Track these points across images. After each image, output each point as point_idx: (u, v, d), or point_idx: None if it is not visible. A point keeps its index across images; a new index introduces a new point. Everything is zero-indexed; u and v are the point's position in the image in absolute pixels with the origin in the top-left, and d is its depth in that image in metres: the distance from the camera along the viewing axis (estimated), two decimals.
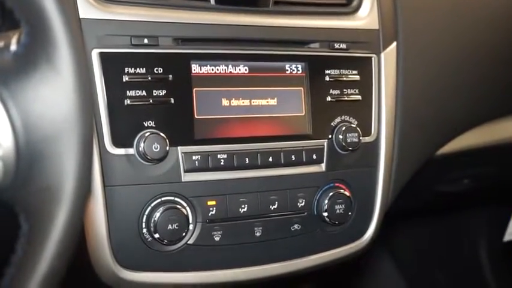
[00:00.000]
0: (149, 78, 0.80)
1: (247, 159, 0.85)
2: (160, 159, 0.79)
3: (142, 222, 0.80)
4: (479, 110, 1.17)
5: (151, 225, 0.80)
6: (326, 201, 0.90)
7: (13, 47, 0.54)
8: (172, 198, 0.81)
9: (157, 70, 0.81)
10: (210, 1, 0.86)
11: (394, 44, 0.99)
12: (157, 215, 0.80)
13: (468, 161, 1.24)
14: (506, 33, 1.16)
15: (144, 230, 0.80)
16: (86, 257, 0.80)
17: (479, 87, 1.15)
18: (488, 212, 1.68)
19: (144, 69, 0.80)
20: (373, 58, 0.96)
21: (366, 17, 0.97)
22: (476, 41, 1.12)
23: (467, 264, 1.74)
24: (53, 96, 0.52)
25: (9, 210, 0.55)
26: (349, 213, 0.92)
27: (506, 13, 1.16)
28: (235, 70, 0.86)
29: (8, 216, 0.55)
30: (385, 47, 0.97)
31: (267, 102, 0.88)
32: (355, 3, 0.96)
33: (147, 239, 0.81)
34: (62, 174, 0.52)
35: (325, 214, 0.90)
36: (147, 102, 0.79)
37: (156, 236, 0.80)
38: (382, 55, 0.97)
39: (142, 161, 0.79)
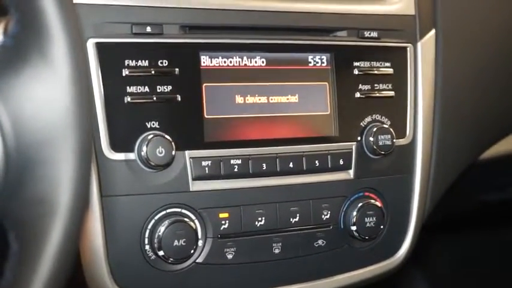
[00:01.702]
0: (152, 72, 0.80)
1: (264, 165, 0.85)
2: (166, 166, 0.79)
3: (144, 237, 0.81)
4: None
5: (155, 241, 0.80)
6: (354, 213, 0.90)
7: (0, 37, 0.53)
8: (179, 210, 0.82)
9: (161, 63, 0.81)
10: None
11: (433, 31, 0.99)
12: (162, 229, 0.80)
13: None
14: None
15: (147, 247, 0.81)
16: (80, 276, 0.80)
17: None
18: None
19: (147, 61, 0.80)
20: (408, 48, 0.96)
21: (399, 1, 0.96)
22: None
23: None
24: (46, 94, 0.52)
25: None
26: (381, 227, 0.92)
27: None
28: (251, 63, 0.86)
29: None
30: (422, 35, 0.97)
31: (287, 99, 0.87)
32: None
33: (150, 256, 0.81)
34: (57, 183, 0.52)
35: (354, 228, 0.90)
36: (150, 100, 0.80)
37: (161, 253, 0.80)
38: (419, 45, 0.97)
39: (144, 168, 0.79)
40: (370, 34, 0.93)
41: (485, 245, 1.75)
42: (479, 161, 1.12)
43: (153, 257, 0.81)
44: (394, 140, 0.91)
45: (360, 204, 0.90)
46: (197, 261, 0.83)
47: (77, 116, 0.52)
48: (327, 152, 0.88)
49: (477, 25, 1.06)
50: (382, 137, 0.90)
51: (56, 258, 0.52)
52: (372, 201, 0.91)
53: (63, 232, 0.51)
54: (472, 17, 1.06)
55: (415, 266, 1.78)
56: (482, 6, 1.08)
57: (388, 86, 0.94)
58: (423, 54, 0.97)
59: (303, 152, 0.87)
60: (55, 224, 0.51)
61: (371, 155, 0.91)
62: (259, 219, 0.85)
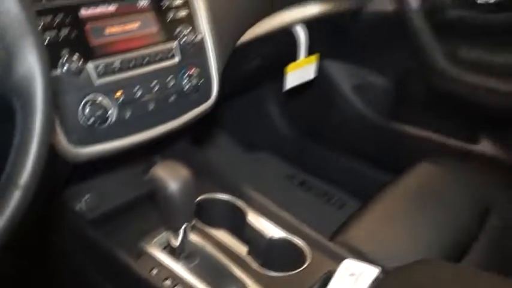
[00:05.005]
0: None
1: (133, 61, 1.51)
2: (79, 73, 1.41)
3: (79, 115, 1.39)
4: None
5: (86, 114, 1.41)
6: (186, 80, 1.62)
7: None
8: (93, 95, 1.42)
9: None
10: None
11: None
12: (87, 108, 1.41)
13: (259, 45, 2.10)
14: None
15: (83, 119, 1.41)
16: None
17: None
18: (274, 84, 2.92)
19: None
20: None
21: None
22: None
23: (264, 118, 3.11)
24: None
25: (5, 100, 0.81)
26: (199, 84, 1.64)
27: None
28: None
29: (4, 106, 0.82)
30: None
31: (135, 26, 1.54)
32: None
33: (87, 123, 1.40)
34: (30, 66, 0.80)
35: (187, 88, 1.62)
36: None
37: (92, 120, 1.41)
38: None
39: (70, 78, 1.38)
40: None
41: (249, 101, 3.02)
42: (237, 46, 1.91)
43: (89, 122, 1.40)
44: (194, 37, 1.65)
45: (187, 73, 1.62)
46: (112, 121, 1.43)
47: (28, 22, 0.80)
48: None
49: None
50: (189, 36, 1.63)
51: (44, 109, 0.83)
52: (193, 71, 1.65)
53: (43, 95, 0.83)
54: None
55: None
56: None
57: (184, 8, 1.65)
58: None
59: (148, 52, 1.56)
60: (36, 87, 0.82)
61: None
62: (139, 92, 1.48)
